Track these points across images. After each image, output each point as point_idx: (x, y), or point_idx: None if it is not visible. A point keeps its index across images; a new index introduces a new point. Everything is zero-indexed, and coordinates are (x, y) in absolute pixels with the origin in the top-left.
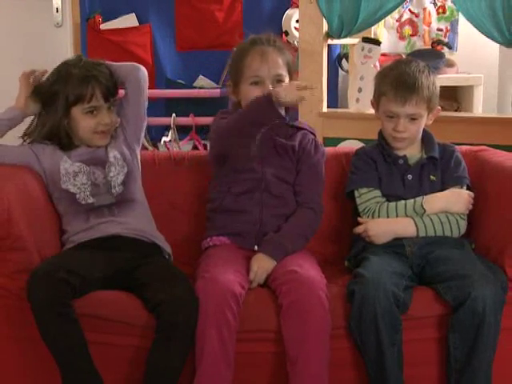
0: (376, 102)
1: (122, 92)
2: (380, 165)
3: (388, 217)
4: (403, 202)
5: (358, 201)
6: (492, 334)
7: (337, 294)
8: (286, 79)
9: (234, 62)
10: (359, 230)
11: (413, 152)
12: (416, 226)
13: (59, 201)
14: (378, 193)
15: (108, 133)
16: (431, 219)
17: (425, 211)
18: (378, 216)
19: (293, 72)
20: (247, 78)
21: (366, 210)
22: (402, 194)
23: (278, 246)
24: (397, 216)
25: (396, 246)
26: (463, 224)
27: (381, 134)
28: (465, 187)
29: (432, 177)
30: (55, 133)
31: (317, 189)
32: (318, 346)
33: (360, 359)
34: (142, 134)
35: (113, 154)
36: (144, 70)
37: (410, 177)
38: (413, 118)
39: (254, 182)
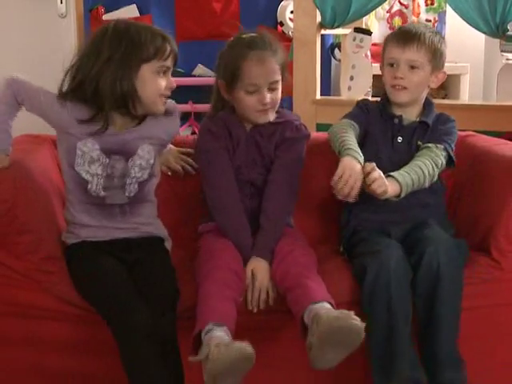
0: (382, 61)
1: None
2: (374, 118)
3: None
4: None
5: None
6: (452, 290)
7: (330, 272)
8: (280, 83)
9: (229, 62)
10: (370, 166)
11: (410, 114)
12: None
13: (69, 178)
14: (351, 130)
15: (165, 101)
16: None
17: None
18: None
19: (285, 71)
20: (244, 85)
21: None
22: (390, 154)
23: (263, 246)
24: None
25: (383, 232)
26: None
27: (384, 94)
28: (443, 152)
29: (419, 142)
30: (127, 97)
31: (295, 171)
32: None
33: None
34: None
35: (147, 149)
36: None
37: (399, 139)
38: (413, 67)
39: (243, 181)
